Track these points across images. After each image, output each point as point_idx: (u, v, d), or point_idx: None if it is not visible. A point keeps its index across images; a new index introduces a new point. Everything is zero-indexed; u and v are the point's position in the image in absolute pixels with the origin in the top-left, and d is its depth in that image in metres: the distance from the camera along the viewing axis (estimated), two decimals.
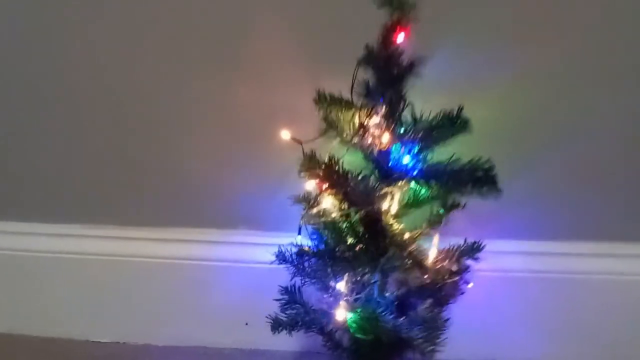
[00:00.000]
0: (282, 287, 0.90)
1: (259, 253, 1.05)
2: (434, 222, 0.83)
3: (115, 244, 1.16)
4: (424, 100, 0.77)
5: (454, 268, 0.76)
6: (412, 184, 0.75)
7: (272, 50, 1.00)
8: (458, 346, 1.12)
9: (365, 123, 0.74)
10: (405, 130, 0.72)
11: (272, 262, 0.90)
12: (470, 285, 0.87)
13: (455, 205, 0.83)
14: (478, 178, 0.70)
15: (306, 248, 0.84)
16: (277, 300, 0.89)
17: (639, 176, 1.03)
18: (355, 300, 0.74)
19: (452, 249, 0.82)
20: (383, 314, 0.72)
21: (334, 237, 0.82)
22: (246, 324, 1.18)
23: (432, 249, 0.80)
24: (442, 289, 0.78)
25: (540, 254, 1.09)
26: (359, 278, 0.77)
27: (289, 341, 1.14)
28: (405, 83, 0.71)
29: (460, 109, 0.73)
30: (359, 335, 0.74)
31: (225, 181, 1.08)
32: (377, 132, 0.73)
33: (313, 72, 0.96)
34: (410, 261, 0.71)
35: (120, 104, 1.08)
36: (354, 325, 0.72)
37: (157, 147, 1.09)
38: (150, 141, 1.09)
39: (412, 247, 0.73)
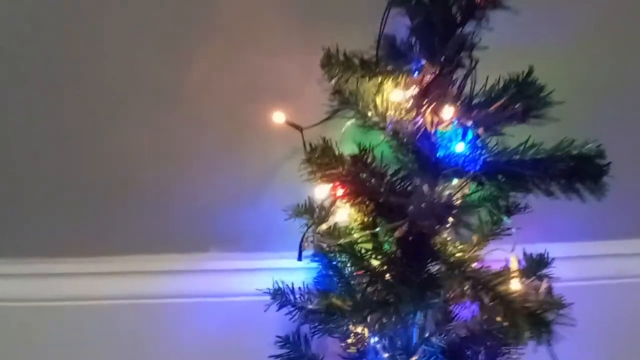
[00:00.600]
0: (280, 337, 0.64)
1: (237, 282, 0.83)
2: (490, 233, 0.61)
3: (44, 284, 0.83)
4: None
5: (542, 294, 0.52)
6: (472, 182, 0.51)
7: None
8: None
9: (402, 96, 0.49)
10: (469, 104, 0.47)
11: (257, 294, 0.64)
12: None
13: (515, 208, 0.61)
14: (577, 170, 0.47)
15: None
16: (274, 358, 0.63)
17: None
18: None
19: (524, 266, 0.59)
20: None
21: (353, 263, 0.57)
22: None
23: (513, 271, 0.55)
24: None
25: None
26: (393, 319, 0.52)
27: None
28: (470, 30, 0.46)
29: (529, 72, 0.50)
30: None
31: (190, 191, 0.80)
32: (420, 108, 0.49)
33: (307, 29, 0.68)
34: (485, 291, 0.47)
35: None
36: None
37: (95, 147, 0.77)
38: (86, 136, 0.77)
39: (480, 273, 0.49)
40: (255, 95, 0.72)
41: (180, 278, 0.84)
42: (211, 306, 0.84)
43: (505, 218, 0.58)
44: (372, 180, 0.49)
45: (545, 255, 0.63)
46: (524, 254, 0.63)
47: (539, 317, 0.45)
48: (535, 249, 0.86)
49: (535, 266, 0.62)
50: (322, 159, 0.52)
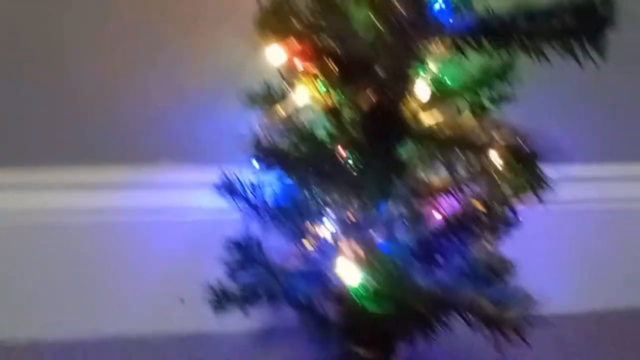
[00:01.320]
0: (231, 240, 0.57)
1: (191, 196, 0.75)
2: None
3: None
4: None
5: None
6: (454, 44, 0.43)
7: None
8: None
9: None
10: None
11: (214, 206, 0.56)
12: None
13: (503, 98, 0.54)
14: (575, 25, 0.40)
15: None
16: (225, 263, 0.56)
17: None
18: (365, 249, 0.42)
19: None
20: (407, 267, 0.41)
21: (313, 146, 0.49)
22: (181, 300, 0.84)
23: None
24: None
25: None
26: (359, 210, 0.45)
27: (246, 322, 0.89)
28: None
29: None
30: (370, 307, 0.43)
31: (136, 96, 0.72)
32: None
33: None
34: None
35: None
36: (364, 292, 0.41)
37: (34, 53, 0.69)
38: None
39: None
40: None
41: (128, 192, 0.76)
42: (163, 224, 0.76)
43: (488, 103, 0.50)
44: (334, 38, 0.41)
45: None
46: None
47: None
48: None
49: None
50: (277, 14, 0.43)
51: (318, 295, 0.52)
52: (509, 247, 0.86)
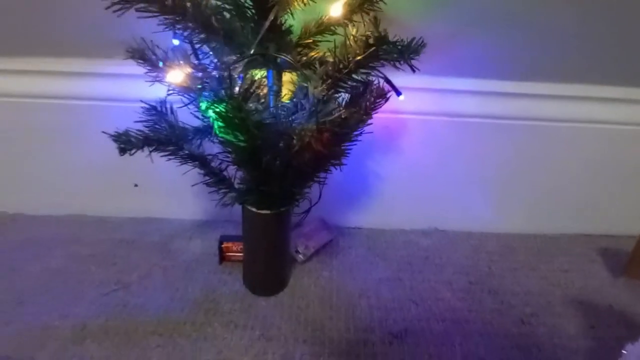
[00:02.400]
0: (147, 104, 0.65)
1: (140, 87, 0.83)
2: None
3: None
4: None
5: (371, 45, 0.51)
6: None
7: None
8: (395, 212, 0.98)
9: None
10: None
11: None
12: (402, 97, 0.65)
13: None
14: None
15: None
16: (140, 122, 0.65)
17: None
18: (219, 86, 0.49)
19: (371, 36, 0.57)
20: (257, 108, 0.48)
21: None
22: (135, 185, 0.95)
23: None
24: (357, 86, 0.54)
25: (498, 96, 0.87)
26: (231, 62, 0.52)
27: (189, 209, 0.97)
28: None
29: None
30: (226, 135, 0.51)
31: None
32: None
33: None
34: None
35: None
36: (216, 117, 0.48)
37: None
38: None
39: None
40: None
41: (85, 81, 0.86)
42: (117, 110, 0.83)
43: None
44: None
45: (418, 43, 0.61)
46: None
47: None
48: (441, 81, 0.88)
49: (403, 49, 0.60)
50: None
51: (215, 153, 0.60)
52: (441, 161, 0.93)
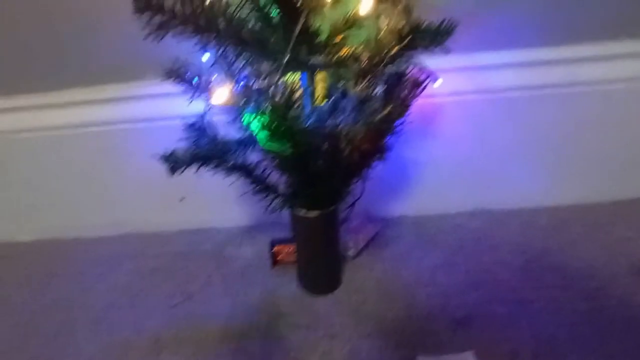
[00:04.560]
0: (187, 121, 0.67)
1: (177, 104, 0.85)
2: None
3: (3, 119, 0.92)
4: None
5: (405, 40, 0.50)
6: None
7: None
8: (439, 196, 0.97)
9: None
10: None
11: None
12: (439, 82, 0.63)
13: None
14: None
15: None
16: (183, 139, 0.67)
17: None
18: (260, 95, 0.50)
19: (405, 26, 0.56)
20: (300, 108, 0.49)
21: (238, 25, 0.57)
22: (181, 199, 0.99)
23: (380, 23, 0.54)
24: (392, 78, 0.54)
25: (534, 65, 0.83)
26: (268, 71, 0.53)
27: (238, 216, 0.99)
28: None
29: None
30: (271, 146, 0.52)
31: (119, 17, 0.79)
32: None
33: None
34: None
35: None
36: (260, 131, 0.49)
37: None
38: None
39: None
40: None
41: (124, 105, 0.90)
42: (158, 130, 0.88)
43: None
44: None
45: (448, 26, 0.59)
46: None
47: None
48: (472, 59, 0.85)
49: (432, 33, 0.58)
50: None
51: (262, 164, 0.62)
52: (481, 140, 0.91)
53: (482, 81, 0.85)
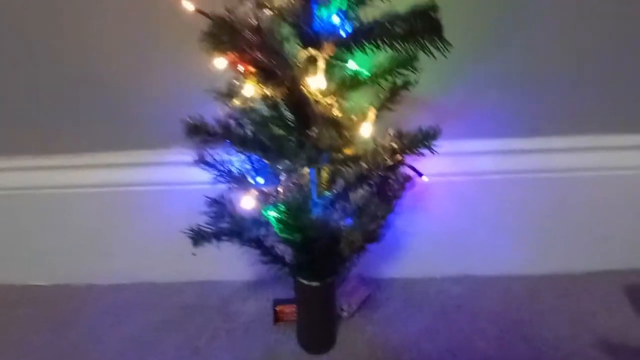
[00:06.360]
0: (209, 198, 0.78)
1: (197, 172, 0.96)
2: (381, 105, 0.70)
3: (34, 176, 1.00)
4: None
5: (397, 157, 0.62)
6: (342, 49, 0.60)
7: None
8: (427, 262, 1.08)
9: None
10: None
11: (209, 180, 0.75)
12: (425, 178, 0.75)
13: (404, 85, 0.69)
14: (417, 28, 0.55)
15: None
16: (205, 214, 0.77)
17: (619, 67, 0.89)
18: (277, 195, 0.61)
19: (399, 134, 0.68)
20: (309, 207, 0.60)
21: (258, 127, 0.68)
22: (193, 254, 1.07)
23: (367, 126, 0.65)
24: (384, 180, 0.65)
25: (513, 153, 0.97)
26: (282, 170, 0.64)
27: (243, 271, 1.08)
28: None
29: None
30: (284, 235, 0.62)
31: (151, 94, 0.90)
32: None
33: None
34: (340, 142, 0.57)
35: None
36: (276, 222, 0.60)
37: (63, 54, 0.86)
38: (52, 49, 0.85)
39: (344, 126, 0.60)
40: None
41: (149, 169, 1.00)
42: (177, 193, 0.98)
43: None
44: (257, 47, 0.60)
45: (434, 131, 0.71)
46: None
47: None
48: (458, 145, 0.97)
49: (421, 138, 0.70)
50: (219, 34, 0.62)
51: (262, 231, 0.72)
52: (466, 215, 1.02)
53: (466, 165, 0.98)
